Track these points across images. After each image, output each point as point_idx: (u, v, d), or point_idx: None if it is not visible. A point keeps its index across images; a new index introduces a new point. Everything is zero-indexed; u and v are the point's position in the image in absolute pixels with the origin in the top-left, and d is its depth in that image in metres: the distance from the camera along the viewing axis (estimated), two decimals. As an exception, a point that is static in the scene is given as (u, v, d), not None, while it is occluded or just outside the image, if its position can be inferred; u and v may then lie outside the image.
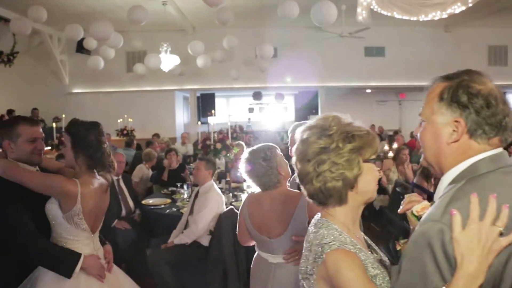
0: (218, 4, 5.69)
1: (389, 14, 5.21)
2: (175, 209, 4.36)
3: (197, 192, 3.96)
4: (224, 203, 3.91)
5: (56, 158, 4.88)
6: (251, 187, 2.34)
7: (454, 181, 1.08)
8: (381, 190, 5.54)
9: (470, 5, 4.80)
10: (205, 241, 3.68)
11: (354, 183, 1.23)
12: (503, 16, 10.02)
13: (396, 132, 10.97)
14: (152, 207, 4.53)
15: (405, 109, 15.11)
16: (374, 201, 1.88)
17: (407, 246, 1.08)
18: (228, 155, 5.14)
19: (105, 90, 11.58)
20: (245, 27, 10.31)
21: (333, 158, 1.21)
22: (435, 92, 1.11)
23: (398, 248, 1.58)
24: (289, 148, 2.50)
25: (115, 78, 11.31)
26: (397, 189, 5.05)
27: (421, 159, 1.25)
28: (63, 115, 8.36)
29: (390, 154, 6.32)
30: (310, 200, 1.30)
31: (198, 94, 12.63)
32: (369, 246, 1.36)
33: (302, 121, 2.19)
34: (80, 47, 9.89)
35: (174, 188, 5.18)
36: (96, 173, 2.14)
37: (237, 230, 2.43)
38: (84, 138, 2.04)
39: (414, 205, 1.33)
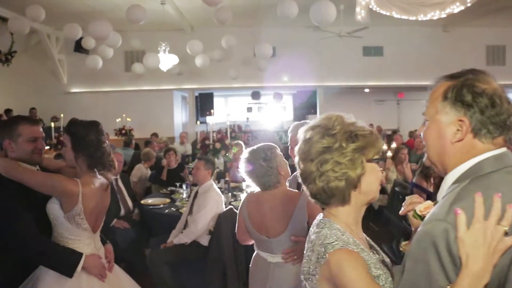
0: (216, 3, 5.69)
1: (388, 13, 5.22)
2: (174, 209, 4.35)
3: (196, 191, 3.94)
4: (224, 203, 3.91)
5: (54, 158, 4.86)
6: (250, 186, 2.34)
7: (458, 180, 1.08)
8: (380, 189, 5.53)
9: (469, 4, 4.82)
10: (204, 241, 3.67)
11: (357, 183, 1.23)
12: (502, 16, 10.04)
13: (394, 132, 10.96)
14: (151, 207, 4.51)
15: (404, 108, 15.09)
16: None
17: (411, 245, 1.07)
18: (227, 154, 5.13)
19: (104, 90, 11.53)
20: (243, 26, 10.31)
21: (336, 157, 1.20)
22: (439, 91, 1.11)
23: (400, 249, 1.58)
24: (289, 148, 2.50)
25: (113, 77, 11.26)
26: (396, 188, 5.05)
27: (424, 158, 1.24)
28: (61, 115, 8.35)
29: (389, 153, 6.31)
30: (311, 200, 1.30)
31: (197, 94, 12.60)
32: (371, 247, 1.35)
33: (302, 121, 2.19)
34: (78, 47, 9.83)
35: (173, 188, 5.15)
36: (97, 173, 2.13)
37: (236, 229, 2.43)
38: (84, 137, 2.04)
39: (416, 207, 1.33)
